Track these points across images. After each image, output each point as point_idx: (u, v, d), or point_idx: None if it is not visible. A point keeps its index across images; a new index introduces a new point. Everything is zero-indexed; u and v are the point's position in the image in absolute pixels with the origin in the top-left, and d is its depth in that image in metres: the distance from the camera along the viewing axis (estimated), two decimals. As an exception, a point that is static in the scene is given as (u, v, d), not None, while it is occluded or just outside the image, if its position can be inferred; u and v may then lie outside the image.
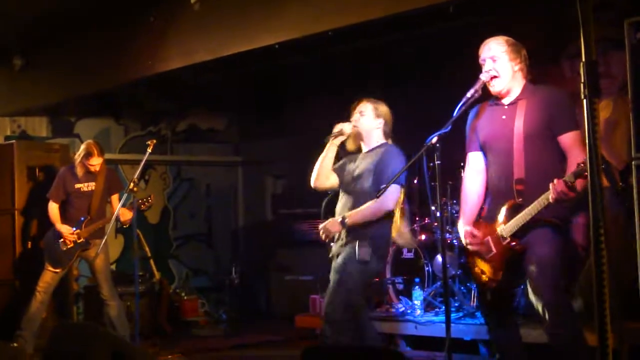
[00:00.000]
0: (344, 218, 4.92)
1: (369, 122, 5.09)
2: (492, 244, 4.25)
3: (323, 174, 5.18)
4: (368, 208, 4.87)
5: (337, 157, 5.26)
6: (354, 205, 4.99)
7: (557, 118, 4.12)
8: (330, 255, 5.13)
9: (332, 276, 4.98)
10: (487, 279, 4.31)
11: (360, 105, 5.14)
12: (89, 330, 4.39)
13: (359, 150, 5.21)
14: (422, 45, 8.10)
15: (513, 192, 4.16)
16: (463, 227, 4.42)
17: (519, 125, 4.15)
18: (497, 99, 4.33)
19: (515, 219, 4.10)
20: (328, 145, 5.13)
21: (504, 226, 4.16)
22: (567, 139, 4.09)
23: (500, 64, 4.21)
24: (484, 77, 4.22)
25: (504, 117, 4.26)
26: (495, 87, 4.24)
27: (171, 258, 10.43)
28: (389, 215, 4.97)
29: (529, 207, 4.02)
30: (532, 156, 4.13)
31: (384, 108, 5.13)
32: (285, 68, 9.24)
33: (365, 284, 5.13)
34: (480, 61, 4.27)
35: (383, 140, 5.13)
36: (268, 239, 10.12)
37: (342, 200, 5.15)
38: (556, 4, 6.78)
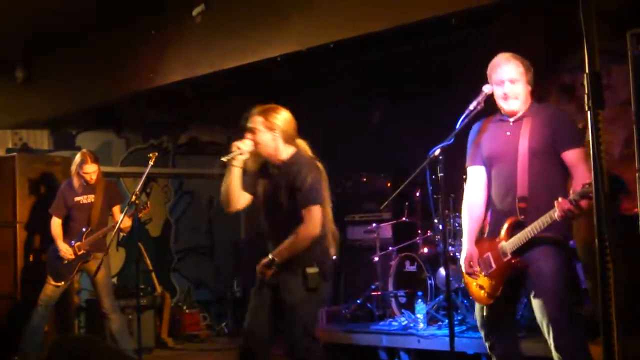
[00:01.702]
0: (272, 259, 4.52)
1: (263, 138, 4.60)
2: (492, 260, 4.26)
3: (234, 198, 4.71)
4: (294, 241, 4.46)
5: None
6: (281, 234, 4.54)
7: (560, 135, 4.13)
8: (258, 286, 4.72)
9: (285, 316, 4.59)
10: (485, 295, 4.32)
11: (251, 120, 4.66)
12: (89, 343, 4.36)
13: (263, 168, 4.77)
14: (424, 58, 8.09)
15: (516, 210, 4.16)
16: (465, 248, 4.42)
17: (523, 142, 4.16)
18: (501, 115, 4.34)
19: (517, 236, 4.11)
20: (230, 168, 4.66)
21: (505, 243, 4.17)
22: (571, 156, 4.10)
23: (518, 86, 4.21)
24: (486, 89, 4.24)
25: (508, 133, 4.26)
26: (510, 107, 4.24)
27: (173, 271, 10.41)
28: (320, 238, 4.54)
29: (532, 225, 4.03)
30: (535, 174, 4.14)
31: (275, 116, 4.62)
32: (285, 81, 9.23)
33: (317, 314, 4.85)
34: (497, 82, 4.25)
35: (289, 150, 4.65)
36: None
37: (266, 227, 4.76)
38: (556, 15, 6.77)
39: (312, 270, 4.48)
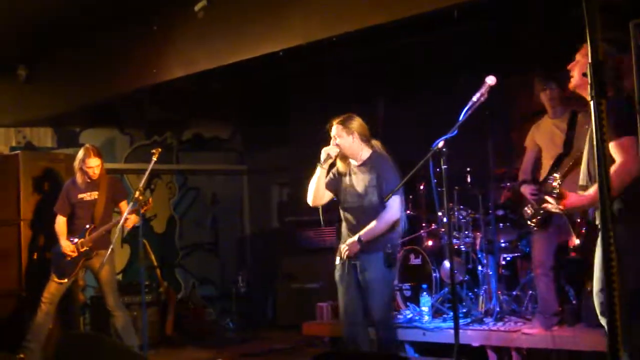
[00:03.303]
0: (360, 237, 5.39)
1: (345, 142, 5.52)
2: None
3: (319, 194, 5.63)
4: (378, 224, 5.38)
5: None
6: (365, 220, 5.45)
7: None
8: (343, 265, 5.56)
9: (364, 286, 5.47)
10: None
11: (332, 129, 5.55)
12: (95, 341, 4.36)
13: (347, 167, 5.66)
14: (427, 51, 8.09)
15: None
16: None
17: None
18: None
19: None
20: (319, 169, 5.55)
21: None
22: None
23: (577, 66, 4.19)
24: (489, 80, 4.23)
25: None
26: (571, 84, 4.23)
27: (178, 267, 10.42)
28: (396, 223, 5.48)
29: None
30: None
31: (352, 123, 5.54)
32: (289, 76, 9.22)
33: (393, 288, 6.12)
34: None
35: (368, 150, 5.59)
36: (274, 247, 10.11)
37: (349, 216, 5.61)
38: (559, 8, 6.76)
39: (388, 250, 5.39)
